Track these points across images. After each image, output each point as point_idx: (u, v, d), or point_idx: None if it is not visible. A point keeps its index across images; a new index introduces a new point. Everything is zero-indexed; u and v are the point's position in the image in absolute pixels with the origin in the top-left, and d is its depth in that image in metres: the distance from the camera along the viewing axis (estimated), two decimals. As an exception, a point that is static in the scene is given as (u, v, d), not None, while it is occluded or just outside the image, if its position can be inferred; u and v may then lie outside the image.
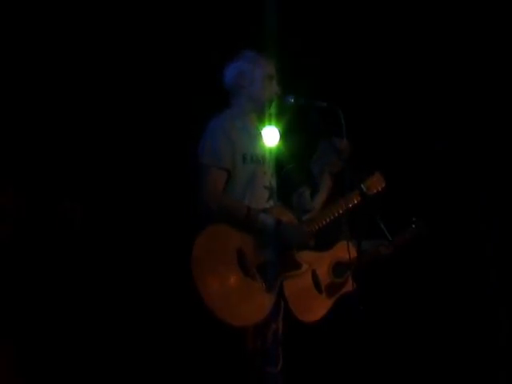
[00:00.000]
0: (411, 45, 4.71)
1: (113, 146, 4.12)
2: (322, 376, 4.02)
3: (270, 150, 3.30)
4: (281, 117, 3.32)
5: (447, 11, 4.62)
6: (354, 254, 3.52)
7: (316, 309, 3.81)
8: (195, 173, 3.11)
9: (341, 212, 3.33)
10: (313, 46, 4.54)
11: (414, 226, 4.13)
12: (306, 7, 4.49)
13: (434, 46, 4.71)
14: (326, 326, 3.82)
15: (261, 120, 3.28)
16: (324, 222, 3.29)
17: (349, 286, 3.85)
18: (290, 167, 4.13)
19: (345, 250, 3.36)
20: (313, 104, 3.23)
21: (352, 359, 3.73)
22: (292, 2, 4.24)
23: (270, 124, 3.27)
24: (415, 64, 4.75)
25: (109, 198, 4.05)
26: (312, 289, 3.82)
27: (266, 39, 3.66)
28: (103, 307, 3.98)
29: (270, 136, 3.29)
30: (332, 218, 3.31)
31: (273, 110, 3.27)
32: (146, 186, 4.17)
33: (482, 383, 4.47)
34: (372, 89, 4.74)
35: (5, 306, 3.31)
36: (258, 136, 3.26)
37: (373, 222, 3.84)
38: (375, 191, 3.57)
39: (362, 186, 3.43)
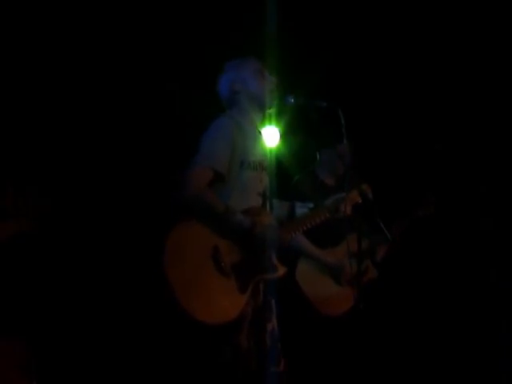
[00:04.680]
0: (411, 45, 4.71)
1: (103, 143, 4.13)
2: (321, 376, 4.02)
3: (270, 155, 3.26)
4: (281, 117, 3.30)
5: (446, 12, 4.61)
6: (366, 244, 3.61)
7: (339, 301, 3.89)
8: (186, 166, 3.06)
9: (323, 218, 3.30)
10: (313, 46, 4.54)
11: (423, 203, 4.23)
12: (306, 7, 4.49)
13: (433, 47, 4.71)
14: (325, 326, 3.82)
15: (264, 119, 3.25)
16: (304, 228, 3.26)
17: (372, 273, 4.04)
18: (299, 178, 4.12)
19: (355, 242, 3.33)
20: (313, 104, 3.22)
21: (352, 359, 3.74)
22: (292, 2, 4.24)
23: (270, 124, 3.25)
24: (415, 64, 4.75)
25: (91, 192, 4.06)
26: (331, 283, 3.92)
27: (266, 39, 3.66)
28: (102, 307, 3.98)
29: (270, 136, 3.27)
30: (313, 223, 3.28)
31: (273, 110, 3.25)
32: (130, 179, 4.17)
33: (482, 383, 4.48)
34: (372, 88, 4.75)
35: (5, 306, 3.31)
36: (258, 140, 3.23)
37: (372, 221, 3.85)
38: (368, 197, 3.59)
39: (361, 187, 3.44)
